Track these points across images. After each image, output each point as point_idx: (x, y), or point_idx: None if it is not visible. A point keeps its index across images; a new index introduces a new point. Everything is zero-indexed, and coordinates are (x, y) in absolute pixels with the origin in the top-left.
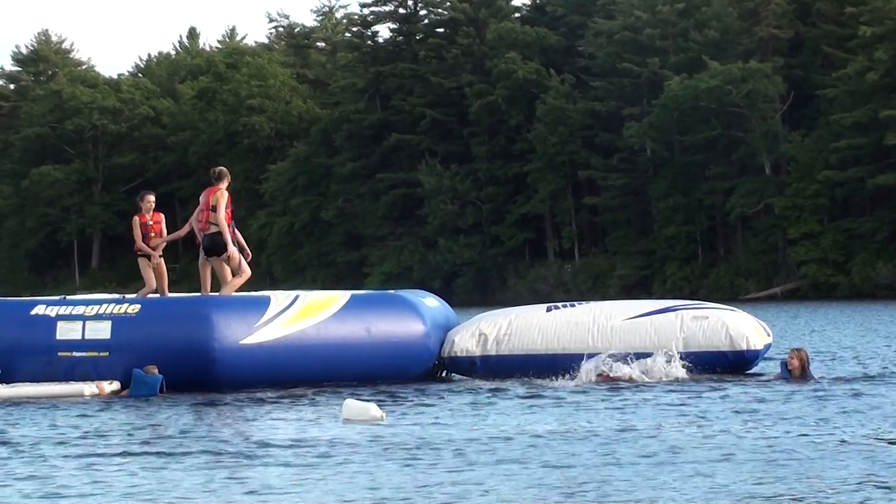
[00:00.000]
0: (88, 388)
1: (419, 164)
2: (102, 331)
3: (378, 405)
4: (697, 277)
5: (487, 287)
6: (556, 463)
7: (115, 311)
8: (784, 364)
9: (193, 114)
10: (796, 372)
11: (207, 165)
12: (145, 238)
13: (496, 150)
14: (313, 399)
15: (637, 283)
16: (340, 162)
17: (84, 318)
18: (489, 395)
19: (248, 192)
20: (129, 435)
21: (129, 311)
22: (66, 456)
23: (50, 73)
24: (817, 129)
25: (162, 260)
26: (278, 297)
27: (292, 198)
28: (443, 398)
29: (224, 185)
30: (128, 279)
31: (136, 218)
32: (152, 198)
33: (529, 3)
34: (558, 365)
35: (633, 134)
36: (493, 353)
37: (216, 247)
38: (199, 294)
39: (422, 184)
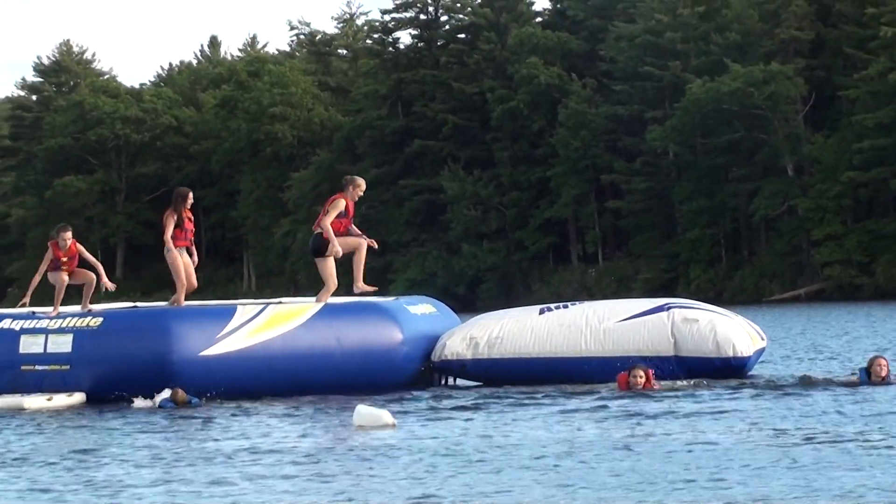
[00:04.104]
0: (29, 401)
1: (442, 170)
2: (64, 344)
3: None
4: (722, 280)
5: (512, 292)
6: (570, 469)
7: (78, 324)
8: (865, 370)
9: (216, 122)
10: (879, 379)
11: (230, 174)
12: (57, 262)
13: (519, 155)
14: (323, 407)
15: (661, 286)
16: (363, 169)
17: (47, 332)
18: (500, 399)
19: (271, 200)
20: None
21: (91, 324)
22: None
23: (72, 83)
24: (840, 130)
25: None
26: (245, 308)
27: (316, 205)
28: (452, 403)
29: (347, 192)
30: (152, 288)
31: (50, 249)
32: (69, 234)
33: (550, 7)
34: (551, 369)
35: (655, 137)
36: (485, 356)
37: (317, 248)
38: (162, 305)
39: (445, 190)
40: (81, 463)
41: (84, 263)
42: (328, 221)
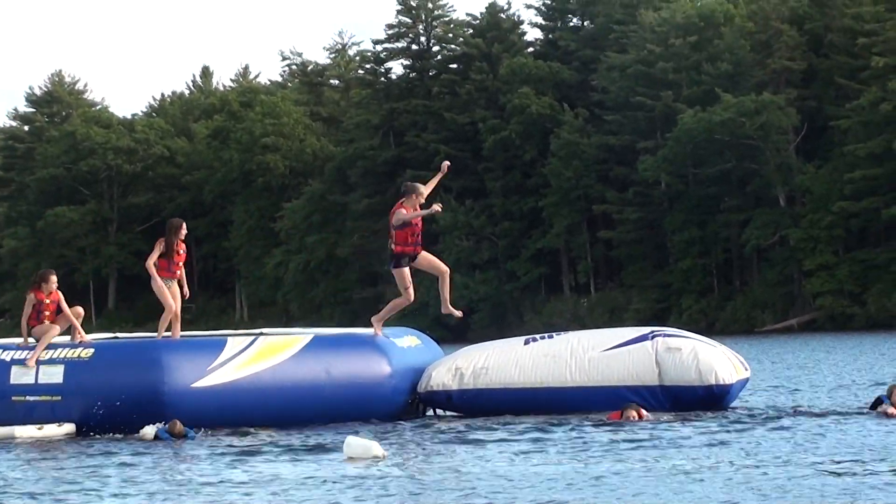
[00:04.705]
0: (20, 431)
1: (434, 201)
2: (55, 375)
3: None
4: (714, 310)
5: (504, 322)
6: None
7: (69, 355)
8: (888, 399)
9: (208, 153)
10: None
11: (222, 204)
12: (39, 316)
13: (511, 186)
14: (312, 438)
15: (653, 316)
16: (355, 199)
17: (38, 363)
18: (491, 431)
19: (263, 230)
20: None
21: (83, 355)
22: None
23: (64, 114)
24: (831, 160)
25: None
26: (235, 340)
27: (308, 235)
28: (441, 436)
29: (410, 201)
30: (145, 319)
31: (32, 294)
32: (55, 278)
33: (542, 37)
34: (537, 399)
35: (647, 167)
36: (471, 386)
37: (390, 260)
38: (152, 337)
39: (437, 220)
40: (71, 494)
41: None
42: (396, 233)
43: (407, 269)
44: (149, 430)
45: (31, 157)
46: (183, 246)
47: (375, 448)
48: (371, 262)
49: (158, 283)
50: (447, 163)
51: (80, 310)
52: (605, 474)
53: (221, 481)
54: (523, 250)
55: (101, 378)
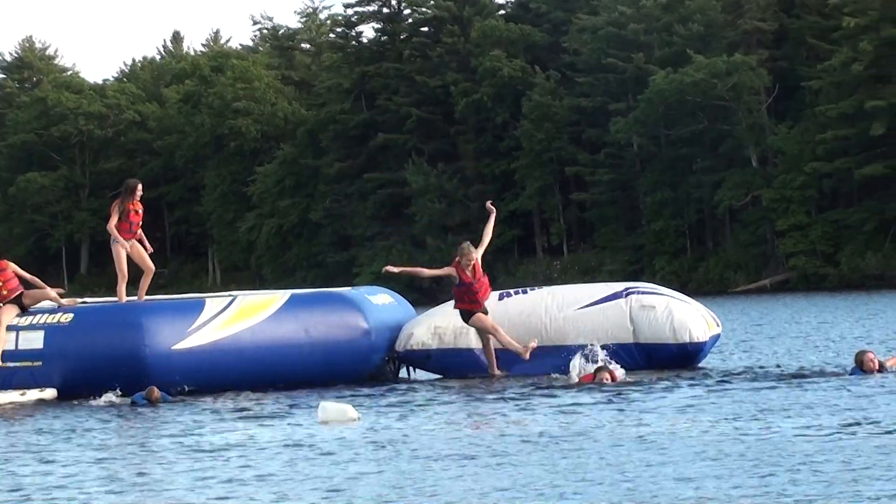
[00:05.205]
0: (2, 397)
1: (406, 164)
2: (35, 340)
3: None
4: (687, 271)
5: None
6: (532, 462)
7: (49, 320)
8: (858, 368)
9: (179, 117)
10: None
11: (194, 169)
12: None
13: (483, 148)
14: (287, 401)
15: (626, 277)
16: (327, 163)
17: (17, 329)
18: (465, 393)
19: (235, 194)
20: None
21: (62, 320)
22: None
23: (35, 79)
24: (803, 120)
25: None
26: (214, 301)
27: (280, 199)
28: (416, 398)
29: (461, 259)
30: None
31: None
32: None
33: (513, 0)
34: (515, 359)
35: (619, 129)
36: (450, 346)
37: (463, 319)
38: (131, 300)
39: (409, 183)
40: (49, 461)
41: (25, 282)
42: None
43: (479, 314)
44: (107, 397)
45: (1, 124)
46: (140, 206)
47: (350, 411)
48: (343, 225)
49: (118, 247)
50: (490, 205)
51: (61, 292)
52: (579, 437)
53: (197, 446)
54: None
55: (82, 342)
